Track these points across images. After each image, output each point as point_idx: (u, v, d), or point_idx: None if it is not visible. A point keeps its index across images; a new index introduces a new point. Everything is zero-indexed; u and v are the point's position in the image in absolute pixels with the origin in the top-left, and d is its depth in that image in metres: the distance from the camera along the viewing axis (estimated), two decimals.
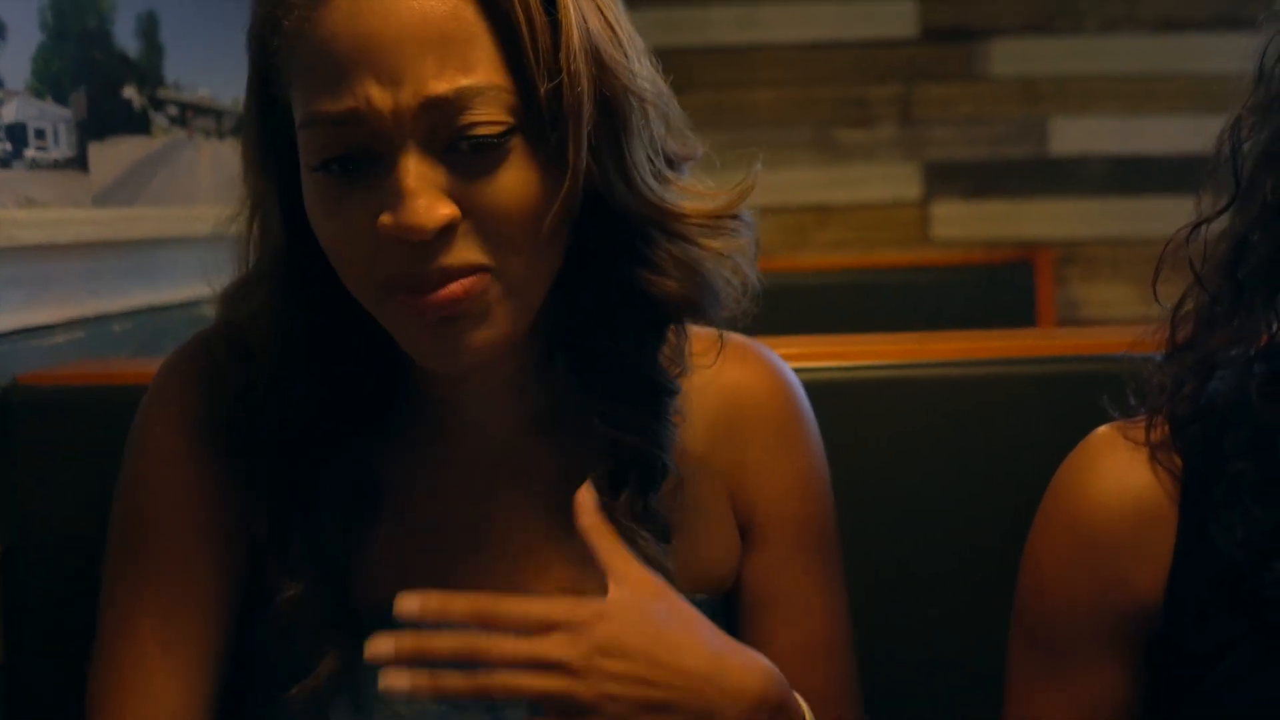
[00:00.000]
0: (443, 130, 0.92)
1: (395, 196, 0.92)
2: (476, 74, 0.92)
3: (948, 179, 3.71)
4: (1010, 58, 3.68)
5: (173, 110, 1.86)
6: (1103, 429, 1.07)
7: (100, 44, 1.67)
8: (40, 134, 1.51)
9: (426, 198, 0.92)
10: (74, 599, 1.27)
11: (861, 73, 3.71)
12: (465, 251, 0.93)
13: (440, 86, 0.91)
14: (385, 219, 0.92)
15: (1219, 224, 1.04)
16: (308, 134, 0.94)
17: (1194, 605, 0.99)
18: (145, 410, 1.12)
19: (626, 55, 1.00)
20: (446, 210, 0.92)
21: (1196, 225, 1.04)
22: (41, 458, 1.39)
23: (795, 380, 1.18)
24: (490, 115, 0.93)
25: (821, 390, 1.25)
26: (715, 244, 1.06)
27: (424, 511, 1.09)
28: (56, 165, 1.55)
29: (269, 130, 1.00)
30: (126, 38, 1.74)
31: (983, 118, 3.69)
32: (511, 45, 0.93)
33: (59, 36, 1.55)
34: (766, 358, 1.17)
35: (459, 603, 0.91)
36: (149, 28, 1.79)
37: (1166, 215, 4.02)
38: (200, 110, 1.95)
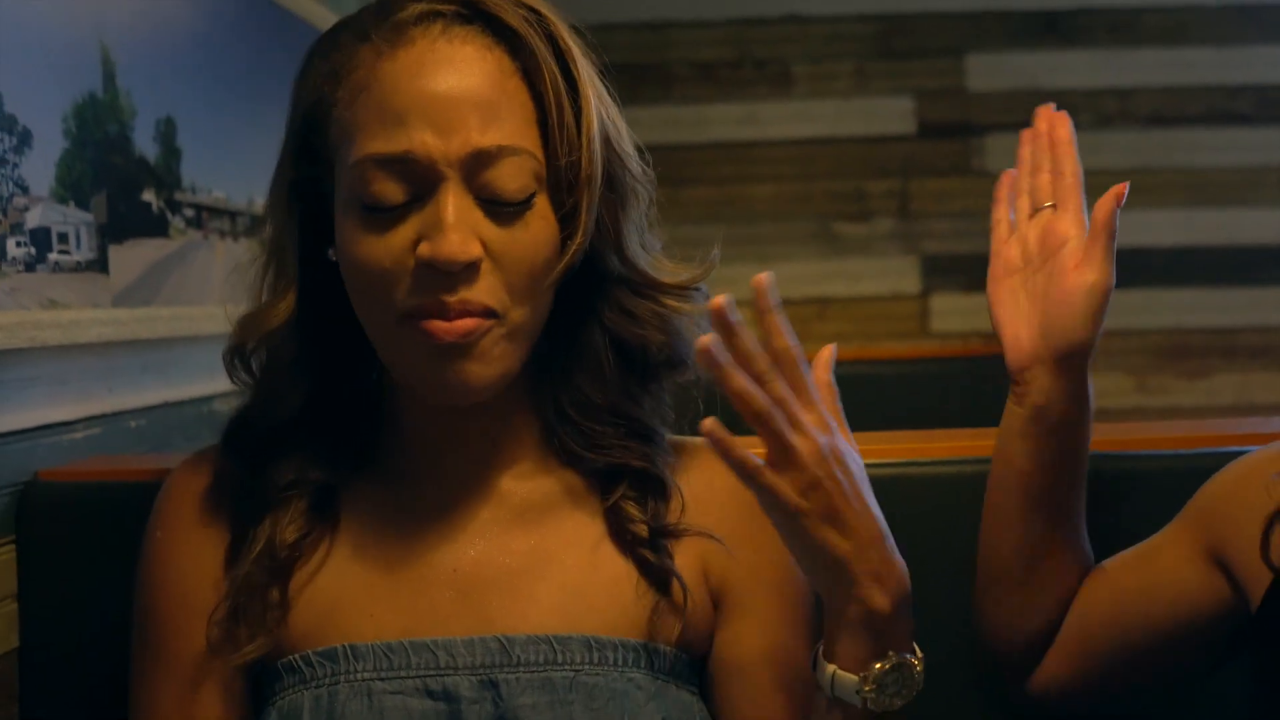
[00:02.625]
0: (480, 180, 1.07)
1: (434, 228, 1.05)
2: (514, 138, 1.08)
3: (946, 272, 3.75)
4: (1006, 153, 3.71)
5: (189, 212, 1.90)
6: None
7: (120, 149, 1.71)
8: (63, 238, 1.55)
9: (461, 233, 1.05)
10: (96, 688, 1.29)
11: (860, 168, 3.76)
12: (482, 292, 1.07)
13: (485, 140, 1.06)
14: (424, 248, 1.05)
15: None
16: (359, 175, 1.07)
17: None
18: (152, 517, 1.22)
19: (626, 145, 1.18)
20: (476, 248, 1.06)
21: None
22: (61, 551, 1.42)
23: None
24: (520, 175, 1.08)
25: None
26: (685, 307, 1.19)
27: (398, 544, 1.17)
28: (78, 268, 1.59)
29: (302, 174, 1.13)
30: (146, 143, 1.78)
31: (979, 212, 3.72)
32: (543, 119, 1.10)
33: (81, 143, 1.59)
34: None
35: (784, 339, 1.02)
36: (167, 133, 1.83)
37: (1160, 306, 4.10)
38: (215, 212, 1.98)
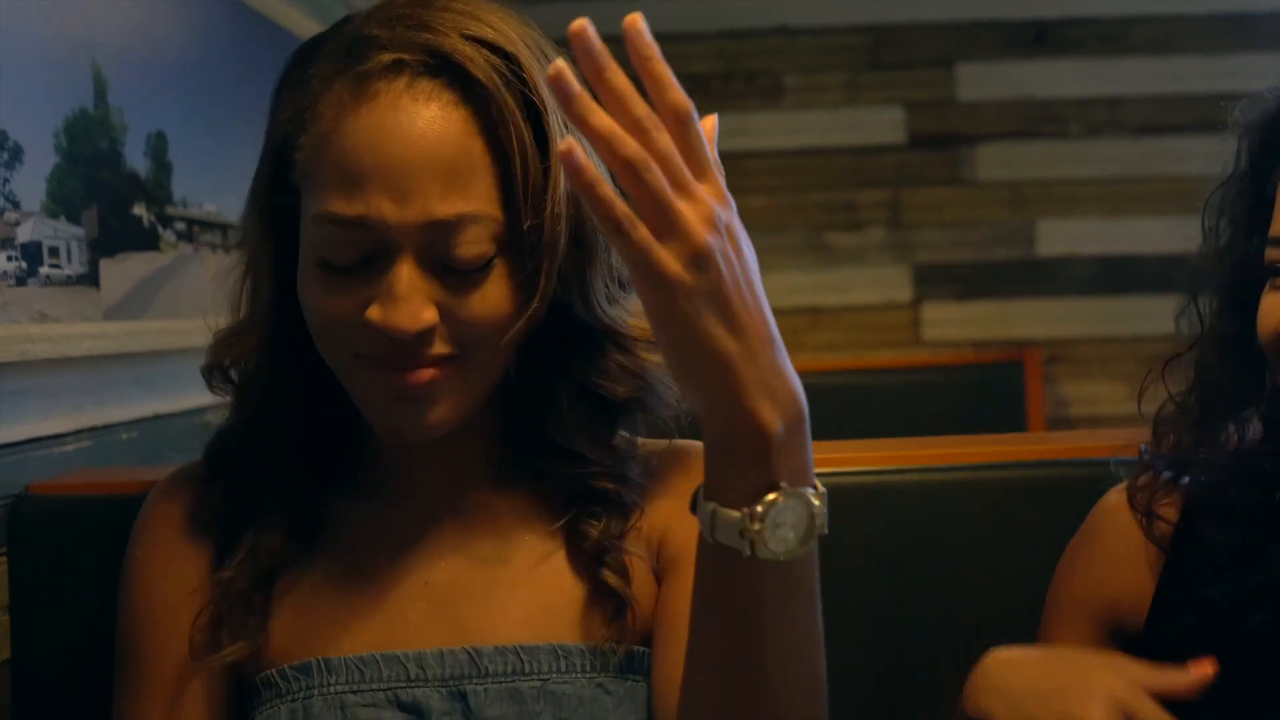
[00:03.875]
0: (438, 247, 1.03)
1: (387, 296, 1.03)
2: (474, 203, 1.03)
3: (937, 281, 3.75)
4: (997, 162, 3.75)
5: (180, 226, 1.91)
6: (1115, 489, 1.27)
7: (111, 164, 1.72)
8: (54, 252, 1.56)
9: (413, 303, 1.02)
10: (87, 700, 1.29)
11: (851, 178, 3.77)
12: (438, 346, 1.05)
13: (443, 210, 1.02)
14: (374, 312, 1.03)
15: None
16: (316, 229, 1.04)
17: (1172, 633, 1.17)
18: (133, 536, 1.22)
19: None
20: (429, 316, 1.03)
21: (1168, 361, 1.25)
22: (53, 564, 1.42)
23: None
24: (479, 242, 1.03)
25: None
26: (654, 357, 1.14)
27: (372, 558, 1.17)
28: (69, 282, 1.59)
29: (273, 202, 1.10)
30: (136, 158, 1.79)
31: (971, 221, 3.75)
32: (506, 181, 1.04)
33: (71, 158, 1.60)
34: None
35: (678, 94, 0.85)
36: (158, 148, 1.84)
37: (1151, 313, 4.09)
38: (206, 225, 1.99)
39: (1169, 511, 1.21)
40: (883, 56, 3.77)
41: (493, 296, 1.05)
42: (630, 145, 0.81)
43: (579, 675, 1.12)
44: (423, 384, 1.05)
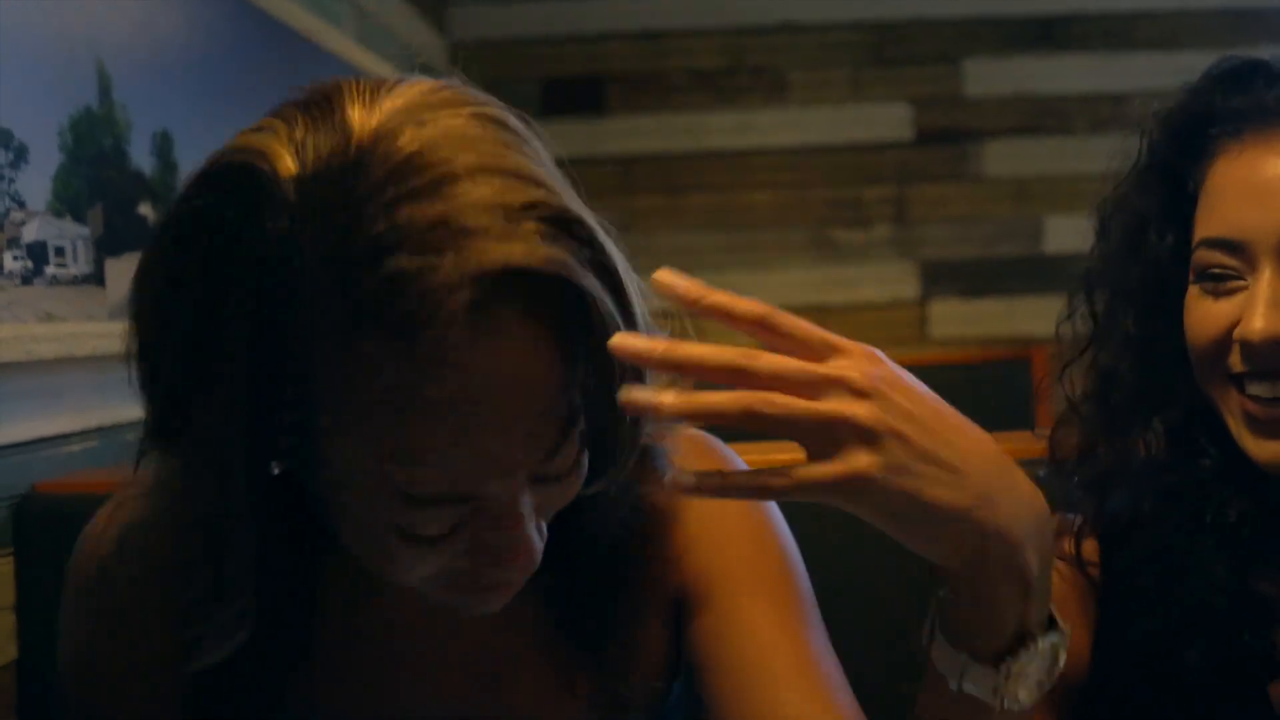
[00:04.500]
0: (544, 486, 0.84)
1: (486, 542, 0.83)
2: (566, 430, 0.81)
3: (944, 278, 3.75)
4: (1003, 158, 3.74)
5: None
6: None
7: (116, 163, 1.72)
8: (60, 251, 1.55)
9: (520, 530, 0.83)
10: None
11: (856, 175, 3.77)
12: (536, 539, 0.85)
13: (542, 467, 0.81)
14: (483, 557, 0.83)
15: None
16: (391, 486, 0.79)
17: (1114, 670, 1.11)
18: (80, 584, 1.06)
19: None
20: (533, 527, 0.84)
21: (1064, 366, 1.16)
22: (59, 563, 1.42)
23: (727, 449, 1.09)
24: (572, 451, 0.83)
25: None
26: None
27: (370, 636, 1.02)
28: (75, 281, 1.59)
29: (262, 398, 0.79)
30: (142, 157, 1.79)
31: (977, 218, 3.75)
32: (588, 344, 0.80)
33: (77, 157, 1.60)
34: (699, 436, 1.08)
35: (746, 304, 0.77)
36: (163, 146, 1.84)
37: None
38: None
39: (1089, 547, 1.14)
40: (888, 52, 3.77)
41: (575, 478, 0.85)
42: (737, 402, 0.73)
43: None
44: (513, 583, 0.87)
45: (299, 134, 0.77)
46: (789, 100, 3.79)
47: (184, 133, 1.88)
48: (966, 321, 3.74)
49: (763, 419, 0.72)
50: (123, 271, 1.71)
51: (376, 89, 0.80)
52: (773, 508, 1.06)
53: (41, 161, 1.53)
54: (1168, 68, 4.07)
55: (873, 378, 0.74)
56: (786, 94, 3.79)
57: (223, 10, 2.07)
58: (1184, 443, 1.11)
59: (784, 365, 0.74)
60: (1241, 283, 1.03)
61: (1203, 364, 1.06)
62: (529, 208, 0.76)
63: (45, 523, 1.44)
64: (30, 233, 1.50)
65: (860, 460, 0.72)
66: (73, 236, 1.59)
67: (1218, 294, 1.04)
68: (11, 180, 1.46)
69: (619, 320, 0.79)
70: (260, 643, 0.90)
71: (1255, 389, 1.02)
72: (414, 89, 0.81)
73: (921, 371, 2.84)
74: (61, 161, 1.57)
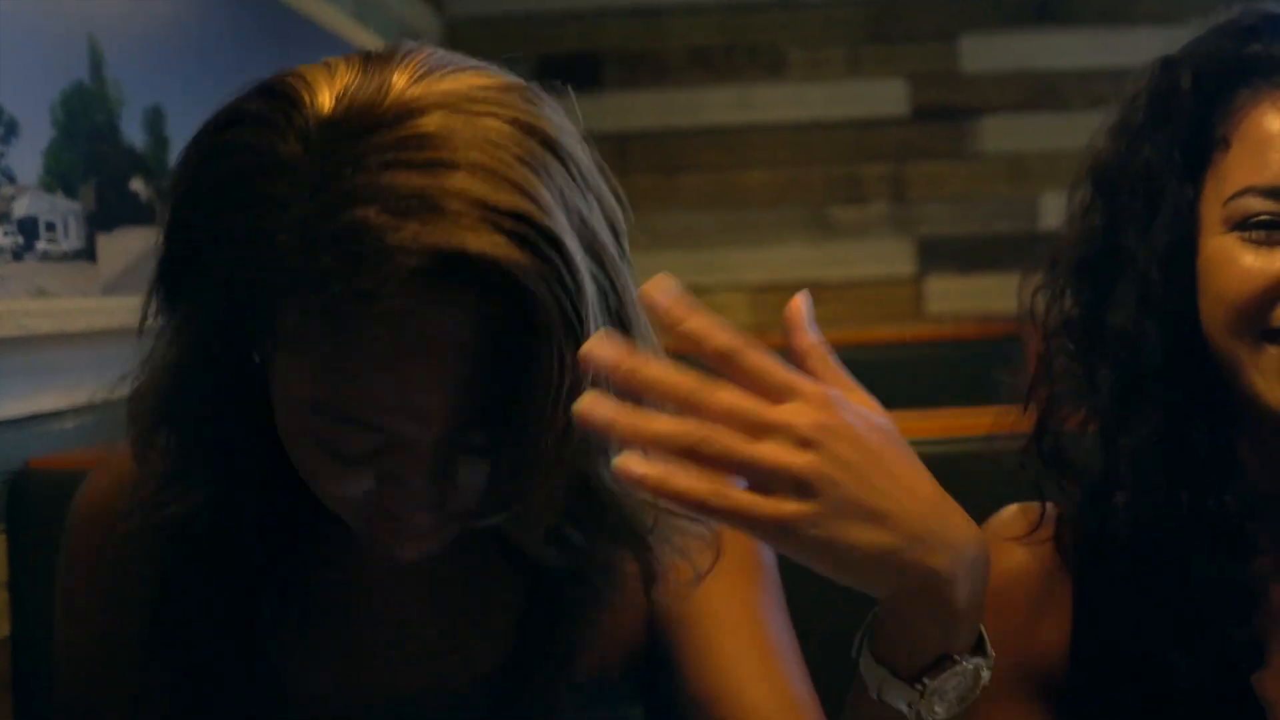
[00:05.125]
0: (455, 439, 0.88)
1: (397, 485, 0.88)
2: (492, 415, 0.86)
3: (941, 255, 3.75)
4: (1000, 135, 3.74)
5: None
6: (1007, 509, 1.15)
7: (108, 138, 1.72)
8: (51, 227, 1.55)
9: (431, 492, 0.88)
10: None
11: (854, 152, 3.76)
12: (457, 500, 0.90)
13: (462, 413, 0.85)
14: (390, 502, 0.89)
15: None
16: (310, 420, 0.87)
17: (1095, 664, 1.08)
18: (67, 565, 1.10)
19: None
20: (439, 496, 0.89)
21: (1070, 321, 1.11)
22: (53, 540, 1.42)
23: None
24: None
25: None
26: None
27: (358, 619, 1.06)
28: (66, 257, 1.59)
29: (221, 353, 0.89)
30: (134, 132, 1.78)
31: (974, 195, 3.74)
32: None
33: (69, 132, 1.60)
34: None
35: (698, 322, 0.79)
36: (155, 121, 1.83)
37: None
38: None
39: (1066, 535, 1.11)
40: (885, 29, 3.76)
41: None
42: (684, 438, 0.75)
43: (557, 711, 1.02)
44: (422, 531, 0.91)
45: (348, 80, 0.84)
46: (786, 77, 3.78)
47: (176, 108, 1.88)
48: (963, 298, 3.74)
49: (702, 457, 0.75)
50: (115, 247, 1.71)
51: (439, 68, 0.86)
52: None
53: (33, 137, 1.52)
54: (1166, 43, 4.05)
55: (818, 427, 0.77)
56: (784, 71, 3.78)
57: None
58: (1183, 423, 1.05)
59: (734, 406, 0.76)
60: None
61: (1237, 320, 1.01)
62: (510, 213, 0.80)
63: (39, 500, 1.44)
64: (21, 208, 1.49)
65: (788, 508, 0.75)
66: (64, 212, 1.59)
67: (1271, 243, 1.00)
68: (2, 155, 1.46)
69: (562, 339, 0.82)
70: (238, 608, 0.99)
71: None
72: (476, 79, 0.87)
73: (918, 348, 2.85)
74: (53, 137, 1.56)
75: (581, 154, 0.91)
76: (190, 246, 0.88)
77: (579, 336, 0.83)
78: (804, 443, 0.76)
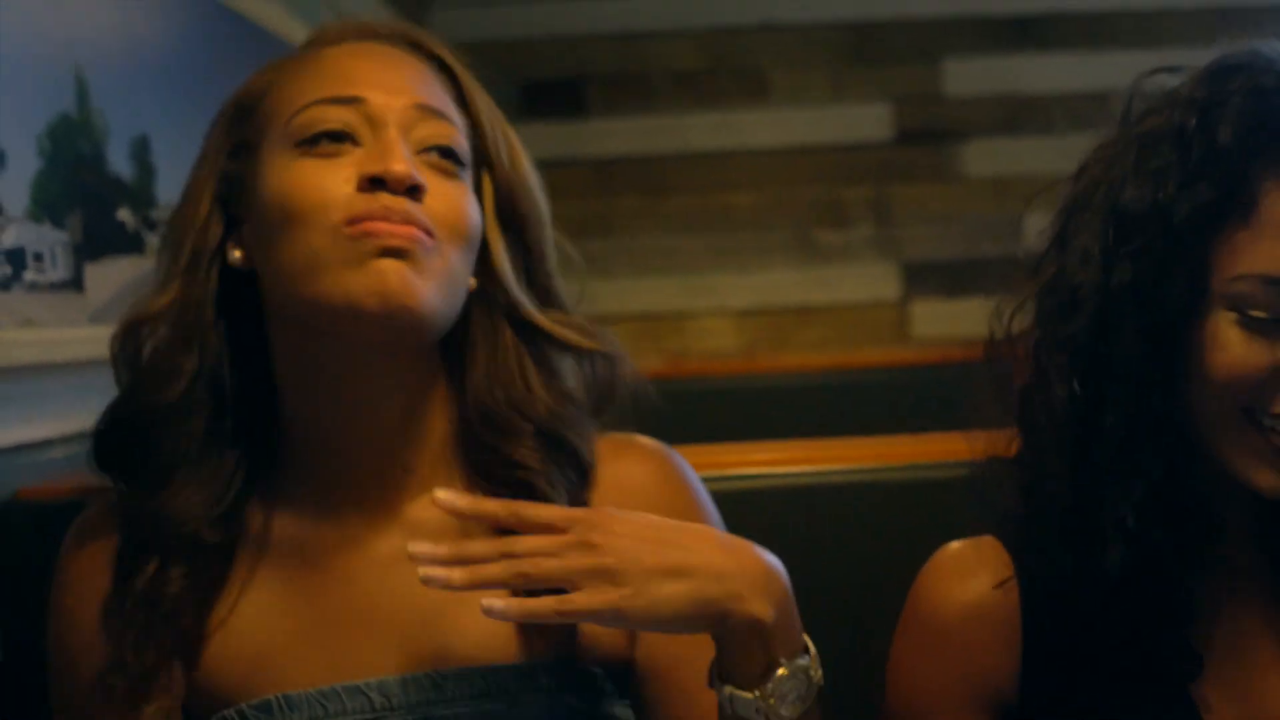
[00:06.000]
0: (418, 135, 1.11)
1: (384, 152, 1.07)
2: (450, 112, 1.15)
3: (925, 278, 3.76)
4: (984, 157, 3.76)
5: (164, 229, 1.91)
6: (951, 545, 1.16)
7: (95, 168, 1.72)
8: (39, 257, 1.55)
9: (408, 161, 1.08)
10: None
11: (838, 175, 3.78)
12: (425, 214, 1.08)
13: (432, 101, 1.13)
14: (372, 165, 1.07)
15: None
16: (307, 115, 1.10)
17: (1046, 684, 1.10)
18: (60, 581, 1.19)
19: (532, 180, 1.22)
20: (422, 178, 1.08)
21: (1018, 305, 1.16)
22: (42, 569, 1.42)
23: (683, 463, 1.24)
24: (455, 142, 1.13)
25: (794, 495, 1.29)
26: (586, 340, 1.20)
27: (313, 585, 1.13)
28: (54, 287, 1.59)
29: (224, 170, 1.16)
30: (120, 161, 1.78)
31: (959, 217, 3.76)
32: (475, 129, 1.18)
33: (55, 162, 1.60)
34: (653, 447, 1.24)
35: (490, 505, 1.04)
36: (141, 151, 1.84)
37: None
38: None
39: (1004, 562, 1.12)
40: (868, 52, 3.78)
41: (464, 196, 1.12)
42: (509, 570, 0.99)
43: (544, 695, 1.09)
44: (412, 237, 1.06)
45: None
46: (769, 101, 3.80)
47: (162, 138, 1.88)
48: (948, 321, 3.75)
49: (529, 578, 0.99)
50: (102, 276, 1.71)
51: None
52: (714, 518, 1.23)
53: (20, 167, 1.53)
54: (1149, 66, 4.08)
55: (600, 531, 1.00)
56: (767, 94, 3.80)
57: (199, 13, 2.07)
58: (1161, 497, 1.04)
59: (534, 545, 1.00)
60: None
61: (1223, 399, 1.01)
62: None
63: (28, 528, 1.44)
64: (9, 238, 1.50)
65: (611, 594, 0.98)
66: (52, 242, 1.59)
67: (1266, 334, 0.99)
68: None
69: (493, 124, 1.19)
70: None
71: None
72: None
73: (902, 372, 2.85)
74: (40, 167, 1.57)
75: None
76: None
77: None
78: (595, 546, 0.99)
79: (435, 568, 0.99)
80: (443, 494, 1.04)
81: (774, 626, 1.01)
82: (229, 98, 1.19)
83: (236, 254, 1.15)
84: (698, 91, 3.80)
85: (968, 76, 3.77)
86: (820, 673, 1.04)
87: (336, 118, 1.09)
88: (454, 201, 1.11)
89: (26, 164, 1.54)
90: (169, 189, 1.91)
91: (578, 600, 0.98)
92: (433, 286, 1.07)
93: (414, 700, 1.08)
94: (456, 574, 0.99)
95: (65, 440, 1.61)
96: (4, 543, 1.43)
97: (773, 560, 1.04)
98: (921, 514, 1.42)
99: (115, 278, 1.75)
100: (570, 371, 1.20)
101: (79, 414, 1.66)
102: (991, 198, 3.74)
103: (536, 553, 0.99)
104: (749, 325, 3.72)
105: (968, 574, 1.13)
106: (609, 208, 3.66)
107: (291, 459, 1.16)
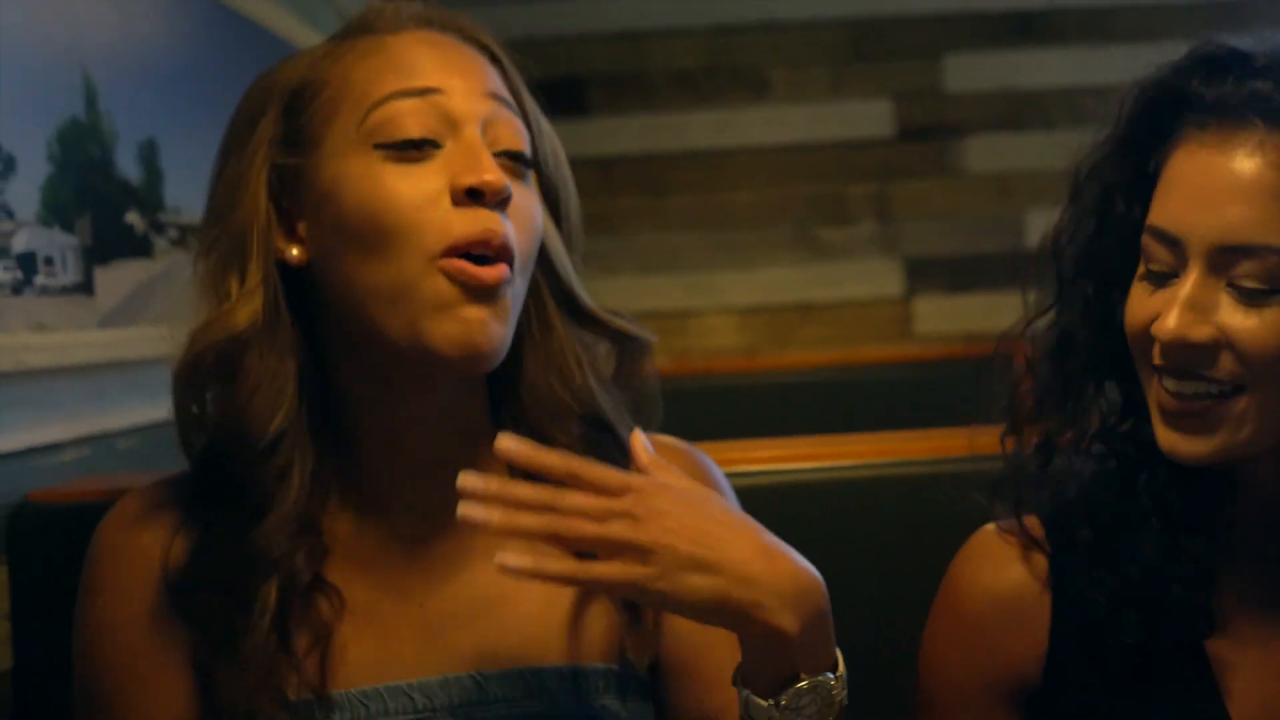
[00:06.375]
0: (494, 130, 1.09)
1: (473, 161, 1.06)
2: (517, 102, 1.14)
3: (928, 274, 3.77)
4: (986, 153, 3.76)
5: (173, 233, 1.92)
6: (984, 529, 1.19)
7: (103, 172, 1.73)
8: (49, 261, 1.56)
9: (499, 172, 1.06)
10: None
11: (839, 172, 3.78)
12: (511, 232, 1.07)
13: (500, 88, 1.12)
14: (467, 178, 1.05)
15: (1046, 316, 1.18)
16: (384, 112, 1.07)
17: (1070, 668, 1.13)
18: (89, 579, 1.16)
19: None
20: (508, 180, 1.07)
21: (1028, 323, 1.18)
22: (53, 571, 1.43)
23: (711, 463, 1.25)
24: (523, 137, 1.12)
25: (798, 491, 1.30)
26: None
27: (361, 586, 1.12)
28: (64, 291, 1.60)
29: (277, 163, 1.11)
30: (128, 165, 1.79)
31: (961, 213, 3.76)
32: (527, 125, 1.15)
33: (64, 167, 1.61)
34: (683, 447, 1.25)
35: (552, 456, 1.01)
36: (149, 155, 1.85)
37: None
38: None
39: (1038, 548, 1.16)
40: (868, 49, 3.79)
41: (533, 210, 1.11)
42: (544, 526, 0.98)
43: (586, 698, 1.10)
44: (501, 279, 1.05)
45: None
46: (770, 99, 3.80)
47: (170, 141, 1.89)
48: (950, 317, 3.76)
49: (562, 539, 0.98)
50: (111, 280, 1.73)
51: None
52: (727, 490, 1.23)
53: (30, 172, 1.54)
54: (1148, 60, 4.07)
55: (647, 507, 0.98)
56: (767, 92, 3.80)
57: (205, 16, 2.08)
58: (1132, 411, 1.13)
59: (581, 503, 0.98)
60: (1175, 281, 1.04)
61: (1133, 349, 1.09)
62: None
63: (39, 531, 1.45)
64: (20, 243, 1.51)
65: (635, 571, 0.97)
66: (62, 246, 1.60)
67: (1156, 287, 1.06)
68: (1, 191, 1.47)
69: (539, 122, 1.17)
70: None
71: (1167, 382, 1.05)
72: None
73: (906, 368, 2.86)
74: (49, 172, 1.58)
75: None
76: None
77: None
78: (638, 520, 0.98)
79: (475, 506, 0.97)
80: (506, 440, 1.00)
81: (797, 639, 0.99)
82: (264, 95, 1.14)
83: (294, 251, 1.10)
84: (699, 90, 3.80)
85: (968, 73, 3.77)
86: (844, 693, 1.03)
87: (416, 117, 1.06)
88: (528, 212, 1.10)
89: (36, 169, 1.56)
90: (177, 193, 1.92)
91: (599, 570, 0.98)
92: (508, 327, 1.08)
93: (456, 701, 1.08)
94: (496, 515, 0.97)
95: (75, 443, 1.63)
96: (15, 545, 1.45)
97: (810, 573, 1.02)
98: (926, 509, 1.43)
99: (125, 281, 1.76)
100: (605, 362, 1.21)
101: (89, 417, 1.68)
102: (993, 193, 3.74)
103: (581, 512, 0.98)
104: (752, 323, 3.73)
105: (1002, 560, 1.16)
106: (611, 206, 3.66)
107: (346, 458, 1.14)
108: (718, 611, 0.99)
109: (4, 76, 1.50)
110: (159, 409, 1.82)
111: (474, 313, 1.04)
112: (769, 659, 1.01)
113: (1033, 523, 1.16)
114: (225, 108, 1.21)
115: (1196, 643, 1.11)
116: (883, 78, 3.78)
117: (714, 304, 3.73)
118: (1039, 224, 4.10)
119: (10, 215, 1.49)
